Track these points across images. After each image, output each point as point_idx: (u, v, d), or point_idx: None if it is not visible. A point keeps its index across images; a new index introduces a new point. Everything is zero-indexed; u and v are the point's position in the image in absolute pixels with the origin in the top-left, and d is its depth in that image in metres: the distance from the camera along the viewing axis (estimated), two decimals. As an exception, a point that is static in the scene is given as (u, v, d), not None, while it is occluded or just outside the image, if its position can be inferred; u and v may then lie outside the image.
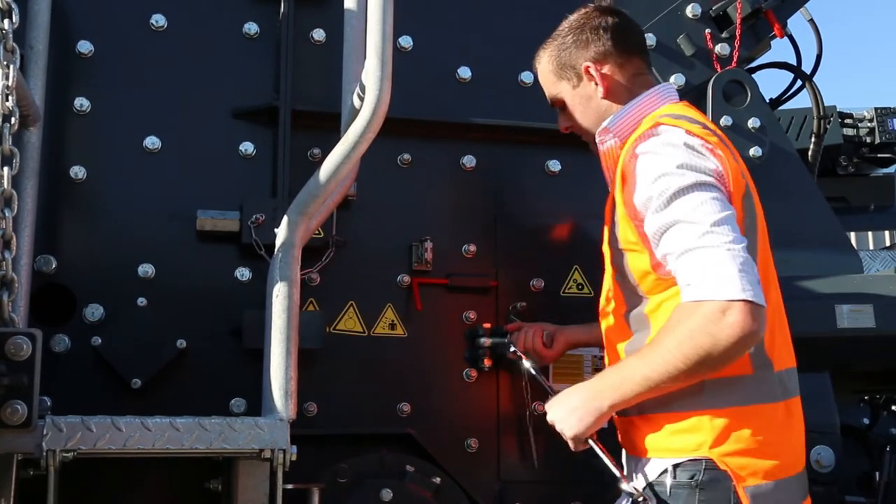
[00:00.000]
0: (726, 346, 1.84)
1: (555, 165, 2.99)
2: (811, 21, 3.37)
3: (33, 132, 2.47)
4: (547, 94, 2.36)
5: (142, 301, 2.60)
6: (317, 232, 2.65)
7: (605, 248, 2.22)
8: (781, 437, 2.00)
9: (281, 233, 2.43)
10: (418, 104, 2.85)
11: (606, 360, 2.27)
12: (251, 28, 2.80)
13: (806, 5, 3.22)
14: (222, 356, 2.64)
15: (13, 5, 2.19)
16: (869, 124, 4.13)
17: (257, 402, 2.38)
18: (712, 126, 2.16)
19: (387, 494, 2.54)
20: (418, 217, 2.85)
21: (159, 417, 2.18)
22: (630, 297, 2.13)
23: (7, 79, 2.12)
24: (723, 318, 1.82)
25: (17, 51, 2.19)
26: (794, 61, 3.35)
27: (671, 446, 2.00)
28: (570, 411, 2.06)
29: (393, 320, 2.79)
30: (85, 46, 2.67)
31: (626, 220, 2.06)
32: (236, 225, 2.66)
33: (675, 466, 1.97)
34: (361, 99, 2.14)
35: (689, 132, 2.03)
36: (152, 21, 2.73)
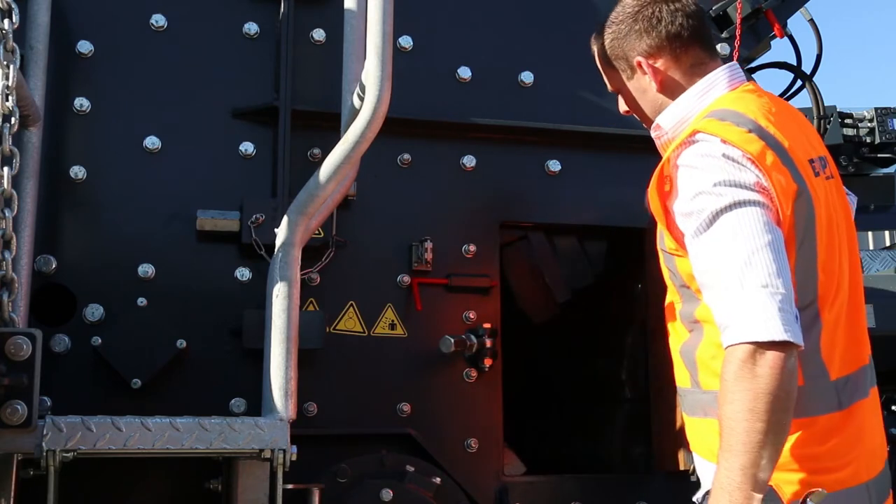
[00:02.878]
0: (778, 392, 1.77)
1: (555, 165, 2.99)
2: (811, 21, 3.37)
3: (33, 132, 2.47)
4: (604, 78, 2.27)
5: (142, 301, 2.60)
6: (317, 232, 2.65)
7: (658, 248, 2.15)
8: (840, 447, 1.91)
9: (281, 233, 2.43)
10: (418, 104, 2.85)
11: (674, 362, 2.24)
12: (251, 28, 2.80)
13: (806, 5, 3.22)
14: (222, 356, 2.64)
15: (13, 5, 2.19)
16: (869, 124, 4.13)
17: (257, 402, 2.38)
18: (771, 117, 2.00)
19: (387, 494, 2.54)
20: (418, 217, 2.85)
21: (159, 417, 2.18)
22: (684, 296, 2.08)
23: (7, 79, 2.12)
24: (760, 364, 1.76)
25: (18, 51, 2.19)
26: (794, 61, 3.35)
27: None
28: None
29: (393, 320, 2.79)
30: (85, 46, 2.67)
31: (665, 226, 2.02)
32: (236, 225, 2.66)
33: None
34: (361, 99, 2.14)
35: (726, 141, 1.91)
36: (152, 21, 2.73)
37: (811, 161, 2.03)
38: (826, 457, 1.91)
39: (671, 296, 2.15)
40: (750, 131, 1.95)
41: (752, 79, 2.24)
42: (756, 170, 1.90)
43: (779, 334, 1.75)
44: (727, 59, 3.06)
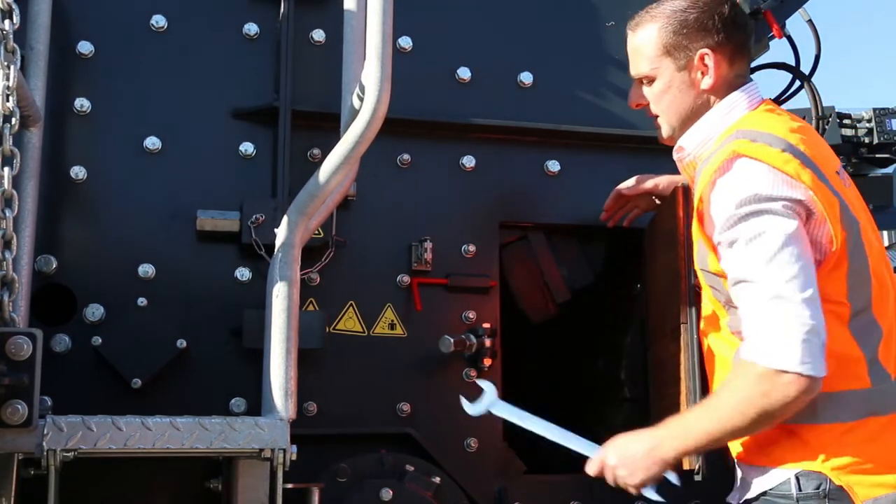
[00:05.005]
0: (779, 412, 1.87)
1: (554, 165, 2.99)
2: (810, 21, 3.37)
3: (34, 132, 2.47)
4: (637, 65, 2.21)
5: (142, 301, 2.60)
6: (317, 232, 2.65)
7: (696, 267, 2.17)
8: None
9: (281, 233, 2.43)
10: (418, 104, 2.85)
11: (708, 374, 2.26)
12: (251, 28, 2.80)
13: (805, 6, 3.22)
14: (222, 356, 2.64)
15: (14, 6, 2.19)
16: (867, 125, 4.14)
17: (257, 402, 2.38)
18: (797, 135, 2.02)
19: (387, 494, 2.54)
20: (418, 217, 2.85)
21: (159, 417, 2.18)
22: (730, 310, 2.09)
23: (8, 79, 2.12)
24: (774, 388, 1.84)
25: (18, 51, 2.19)
26: (792, 62, 3.35)
27: (784, 456, 1.98)
28: (634, 459, 2.08)
29: (393, 320, 2.79)
30: (85, 47, 2.68)
31: (709, 249, 2.04)
32: (236, 225, 2.66)
33: (798, 477, 1.94)
34: (361, 99, 2.14)
35: (764, 162, 1.92)
36: (152, 21, 2.73)
37: (837, 172, 2.06)
38: (892, 454, 1.92)
39: (714, 307, 2.15)
40: (784, 150, 1.96)
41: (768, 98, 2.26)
42: (795, 192, 1.91)
43: (797, 365, 1.81)
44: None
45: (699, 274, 2.17)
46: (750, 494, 2.07)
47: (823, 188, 1.95)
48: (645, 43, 2.18)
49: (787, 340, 1.83)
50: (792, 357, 1.82)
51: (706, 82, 2.13)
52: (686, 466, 2.83)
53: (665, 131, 2.24)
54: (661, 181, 2.69)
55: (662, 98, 2.19)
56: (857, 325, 1.95)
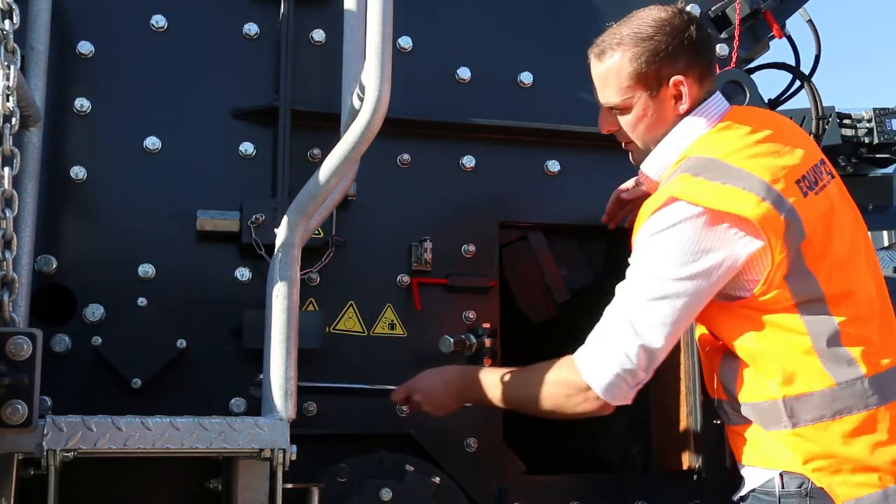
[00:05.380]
0: (570, 416, 2.15)
1: (554, 166, 2.99)
2: (810, 21, 3.37)
3: (34, 132, 2.47)
4: (607, 95, 2.19)
5: (142, 301, 2.60)
6: (317, 232, 2.65)
7: None
8: (885, 442, 1.93)
9: (281, 233, 2.43)
10: (418, 104, 2.85)
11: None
12: (251, 28, 2.80)
13: (805, 6, 3.22)
14: (222, 356, 2.64)
15: (14, 6, 2.19)
16: (867, 125, 4.13)
17: (257, 402, 2.38)
18: (745, 157, 2.01)
19: (386, 494, 2.54)
20: (418, 217, 2.85)
21: (159, 417, 2.18)
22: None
23: (8, 79, 2.12)
24: (578, 397, 2.07)
25: (18, 51, 2.18)
26: (792, 62, 3.35)
27: (770, 458, 2.02)
28: (437, 397, 2.38)
29: (393, 320, 2.79)
30: (85, 47, 2.68)
31: None
32: (236, 225, 2.66)
33: (783, 475, 1.99)
34: (361, 99, 2.14)
35: (699, 214, 1.95)
36: (152, 21, 2.73)
37: (801, 180, 2.03)
38: (874, 452, 1.93)
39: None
40: (725, 183, 1.96)
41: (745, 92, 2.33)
42: (725, 245, 1.96)
43: (601, 391, 2.04)
44: (726, 60, 3.08)
45: None
46: (741, 492, 2.12)
47: (769, 212, 1.94)
48: (614, 72, 2.15)
49: (609, 368, 2.02)
50: (603, 383, 2.03)
51: (681, 107, 2.13)
52: (686, 466, 2.83)
53: (642, 156, 2.25)
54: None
55: (637, 126, 2.18)
56: (813, 326, 1.97)
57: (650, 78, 2.11)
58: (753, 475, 2.08)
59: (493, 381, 2.29)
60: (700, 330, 2.24)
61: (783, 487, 1.98)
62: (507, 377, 2.27)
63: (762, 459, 2.05)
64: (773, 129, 2.11)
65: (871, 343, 1.98)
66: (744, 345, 2.02)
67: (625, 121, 2.20)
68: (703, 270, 1.96)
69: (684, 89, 2.11)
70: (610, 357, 2.02)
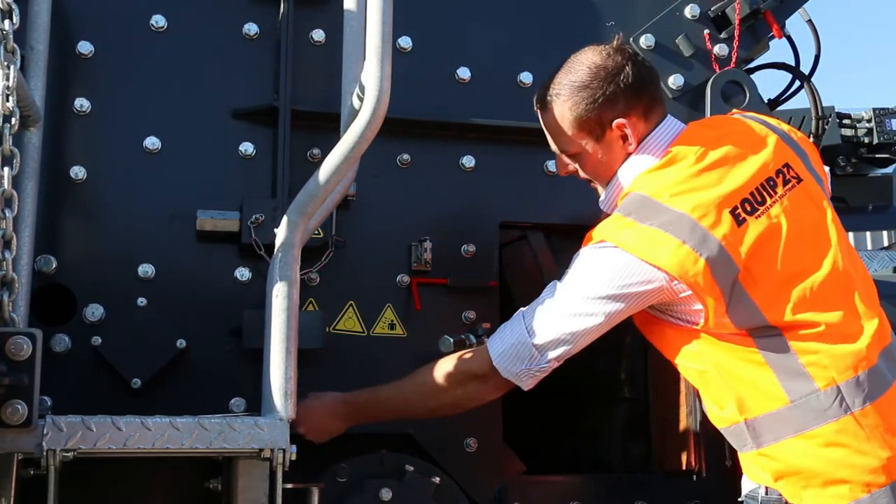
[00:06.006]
0: (467, 401, 2.33)
1: (554, 166, 2.99)
2: (810, 21, 3.37)
3: (34, 132, 2.47)
4: (556, 142, 2.28)
5: (142, 301, 2.60)
6: (316, 232, 2.65)
7: None
8: (852, 453, 1.92)
9: (280, 233, 2.43)
10: (418, 104, 2.85)
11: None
12: (251, 28, 2.80)
13: (805, 6, 3.22)
14: (222, 356, 2.64)
15: (14, 6, 2.19)
16: (867, 125, 4.13)
17: (257, 402, 2.38)
18: (680, 193, 2.05)
19: (386, 494, 2.54)
20: (418, 217, 2.85)
21: (159, 417, 2.18)
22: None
23: (7, 79, 2.12)
24: (484, 383, 2.26)
25: (18, 51, 2.18)
26: (792, 62, 3.35)
27: (752, 475, 2.08)
28: (322, 429, 2.47)
29: (393, 320, 2.79)
30: (85, 47, 2.68)
31: None
32: (236, 225, 2.66)
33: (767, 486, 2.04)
34: (361, 99, 2.14)
35: (624, 256, 2.04)
36: (152, 21, 2.73)
37: (738, 206, 2.01)
38: (843, 463, 1.93)
39: None
40: (651, 225, 2.01)
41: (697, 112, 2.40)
42: (654, 280, 2.01)
43: (509, 375, 2.19)
44: (726, 60, 3.07)
45: None
46: (739, 498, 2.19)
47: (687, 265, 1.97)
48: (557, 123, 2.22)
49: (518, 355, 2.18)
50: (510, 368, 2.19)
51: (630, 147, 2.17)
52: (686, 466, 2.83)
53: (601, 192, 2.33)
54: None
55: (590, 169, 2.27)
56: (765, 345, 1.98)
57: (592, 124, 2.17)
58: (744, 482, 2.15)
59: (383, 394, 2.42)
60: None
61: (766, 494, 2.03)
62: (396, 385, 2.42)
63: (746, 472, 2.13)
64: (726, 144, 2.11)
65: (831, 356, 1.96)
66: (698, 368, 2.06)
67: (579, 164, 2.29)
68: (613, 307, 2.08)
69: (628, 131, 2.15)
70: (507, 339, 2.21)
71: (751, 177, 2.08)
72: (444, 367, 2.30)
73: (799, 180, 2.12)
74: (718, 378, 2.01)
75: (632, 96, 2.14)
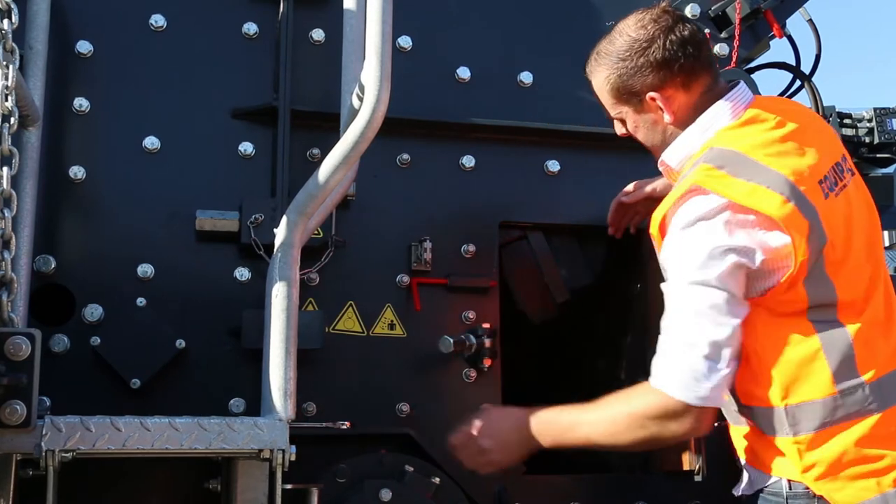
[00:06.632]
0: (669, 441, 2.04)
1: (554, 165, 2.99)
2: (810, 21, 3.37)
3: (33, 132, 2.47)
4: (605, 107, 2.26)
5: (141, 301, 2.60)
6: (316, 232, 2.65)
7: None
8: (884, 448, 1.93)
9: (280, 233, 2.42)
10: (418, 104, 2.85)
11: None
12: (251, 28, 2.80)
13: (805, 5, 3.22)
14: (222, 356, 2.64)
15: (13, 5, 2.18)
16: (868, 124, 4.12)
17: (256, 402, 2.38)
18: (769, 154, 2.00)
19: (386, 494, 2.54)
20: (418, 217, 2.85)
21: (158, 417, 2.18)
22: None
23: (7, 79, 2.12)
24: (673, 419, 1.97)
25: (17, 51, 2.19)
26: (793, 61, 3.35)
27: (773, 465, 2.02)
28: (508, 444, 2.20)
29: (392, 320, 2.79)
30: (84, 46, 2.67)
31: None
32: (236, 225, 2.66)
33: (790, 479, 1.99)
34: (361, 99, 2.14)
35: (724, 207, 1.93)
36: (152, 21, 2.73)
37: (823, 180, 2.02)
38: (875, 457, 1.92)
39: None
40: (750, 180, 1.95)
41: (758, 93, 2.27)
42: (746, 236, 1.93)
43: (703, 401, 1.94)
44: (726, 60, 3.07)
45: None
46: (748, 491, 2.12)
47: (792, 212, 1.93)
48: (600, 91, 2.23)
49: (693, 374, 1.95)
50: (692, 391, 1.95)
51: (667, 118, 2.14)
52: (686, 467, 2.83)
53: (659, 152, 2.26)
54: (658, 184, 2.70)
55: (637, 133, 2.24)
56: (824, 330, 1.96)
57: (628, 94, 2.16)
58: (760, 476, 2.08)
59: (568, 419, 2.16)
60: None
61: (790, 489, 1.98)
62: (583, 417, 2.14)
63: (769, 466, 2.05)
64: (797, 122, 2.09)
65: (875, 349, 1.97)
66: (750, 346, 2.01)
67: (627, 128, 2.25)
68: (735, 263, 1.93)
69: (660, 103, 2.13)
70: (684, 363, 1.97)
71: (827, 155, 2.07)
72: (637, 405, 2.04)
73: (852, 172, 2.14)
74: (768, 357, 1.97)
75: (664, 69, 2.10)
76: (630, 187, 2.71)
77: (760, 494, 2.07)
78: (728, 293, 1.94)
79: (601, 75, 2.19)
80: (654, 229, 2.10)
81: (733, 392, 2.08)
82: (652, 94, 2.12)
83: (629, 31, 2.15)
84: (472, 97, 2.94)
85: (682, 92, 2.13)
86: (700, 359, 1.93)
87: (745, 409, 2.07)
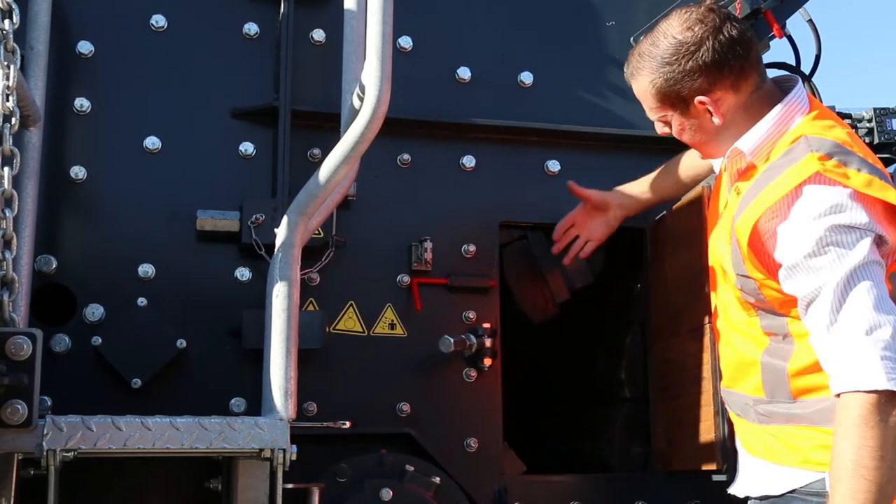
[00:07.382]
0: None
1: (554, 165, 2.99)
2: (810, 21, 3.37)
3: (34, 132, 2.47)
4: (647, 110, 2.20)
5: (142, 301, 2.60)
6: (317, 232, 2.65)
7: (726, 268, 2.12)
8: None
9: (281, 233, 2.43)
10: (418, 104, 2.86)
11: (725, 374, 2.24)
12: (251, 28, 2.80)
13: (805, 6, 3.22)
14: (222, 356, 2.64)
15: (14, 6, 2.19)
16: (868, 125, 4.12)
17: (257, 402, 2.38)
18: (860, 147, 1.99)
19: (386, 494, 2.54)
20: (418, 217, 2.85)
21: (159, 417, 2.18)
22: (762, 312, 2.08)
23: (8, 79, 2.12)
24: (878, 413, 1.77)
25: (18, 51, 2.19)
26: (793, 62, 3.35)
27: (816, 459, 1.95)
28: None
29: (393, 320, 2.79)
30: (85, 47, 2.68)
31: (755, 268, 2.01)
32: (236, 225, 2.66)
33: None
34: (361, 99, 2.14)
35: (846, 187, 1.88)
36: (152, 21, 2.73)
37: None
38: None
39: (740, 307, 2.13)
40: (860, 170, 1.93)
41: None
42: (865, 211, 1.89)
43: (893, 383, 1.75)
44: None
45: (729, 275, 2.12)
46: (774, 491, 2.05)
47: (881, 202, 1.92)
48: (642, 94, 2.16)
49: (870, 362, 1.78)
50: (880, 377, 1.77)
51: (716, 121, 2.09)
52: (686, 466, 2.83)
53: (707, 148, 2.22)
54: (592, 193, 2.78)
55: (683, 135, 2.18)
56: None
57: (674, 99, 2.10)
58: (792, 476, 2.01)
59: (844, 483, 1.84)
60: (734, 326, 2.18)
61: (827, 488, 1.89)
62: (838, 492, 1.84)
63: (805, 461, 1.98)
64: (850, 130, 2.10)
65: None
66: None
67: (672, 130, 2.20)
68: (873, 239, 1.88)
69: (710, 106, 2.08)
70: (857, 354, 1.82)
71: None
72: (854, 429, 1.82)
73: None
74: None
75: (714, 71, 2.04)
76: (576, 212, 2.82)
77: (791, 495, 2.00)
78: (880, 266, 1.88)
79: (644, 79, 2.11)
80: (761, 224, 1.98)
81: (773, 388, 2.04)
82: (701, 97, 2.06)
83: (674, 32, 2.07)
84: (472, 97, 2.95)
85: (731, 93, 2.07)
86: (880, 339, 1.79)
87: (797, 404, 2.01)
